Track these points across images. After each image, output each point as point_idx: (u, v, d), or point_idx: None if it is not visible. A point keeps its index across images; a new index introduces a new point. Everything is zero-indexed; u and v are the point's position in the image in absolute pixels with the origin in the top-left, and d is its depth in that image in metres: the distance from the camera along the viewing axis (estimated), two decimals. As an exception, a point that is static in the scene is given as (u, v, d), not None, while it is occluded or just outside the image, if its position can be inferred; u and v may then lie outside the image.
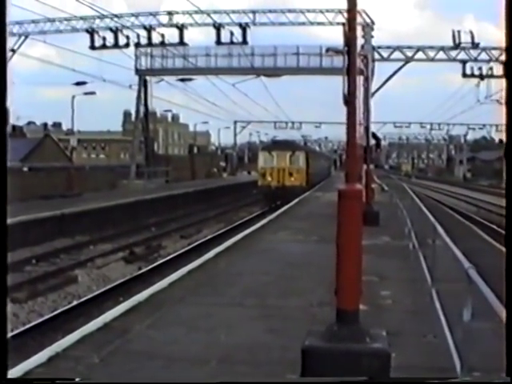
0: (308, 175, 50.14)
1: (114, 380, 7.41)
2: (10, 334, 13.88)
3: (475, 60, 45.78)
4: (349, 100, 7.20)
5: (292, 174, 48.17)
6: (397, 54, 46.02)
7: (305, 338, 6.76)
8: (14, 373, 7.20)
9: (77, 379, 6.08)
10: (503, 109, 4.72)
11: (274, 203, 44.04)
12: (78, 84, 53.86)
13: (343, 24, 8.08)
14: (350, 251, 6.86)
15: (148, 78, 54.55)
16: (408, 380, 6.67)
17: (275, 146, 52.62)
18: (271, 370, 7.70)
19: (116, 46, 45.65)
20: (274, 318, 10.03)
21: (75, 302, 17.84)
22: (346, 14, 7.78)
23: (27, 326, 15.03)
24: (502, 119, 4.76)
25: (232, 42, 45.46)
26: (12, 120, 74.35)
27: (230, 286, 12.79)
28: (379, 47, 44.96)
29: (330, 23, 44.57)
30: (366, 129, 31.68)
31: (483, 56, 45.25)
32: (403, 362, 7.36)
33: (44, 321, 15.51)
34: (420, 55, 46.55)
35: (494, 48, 44.80)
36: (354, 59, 7.30)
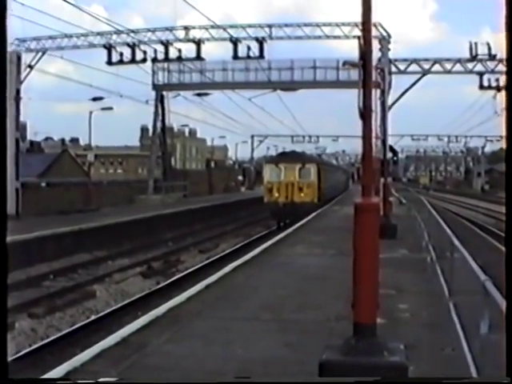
0: (320, 190, 44.96)
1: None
2: (28, 349, 14.00)
3: (492, 72, 45.49)
4: (364, 113, 7.20)
5: (302, 188, 43.32)
6: (414, 67, 45.79)
7: (322, 351, 6.74)
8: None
9: (78, 380, 6.07)
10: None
11: (283, 222, 40.84)
12: (95, 99, 54.10)
13: (359, 37, 8.06)
14: (366, 265, 6.86)
15: (165, 92, 54.69)
16: (422, 380, 6.65)
17: (283, 157, 47.05)
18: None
19: (133, 61, 45.77)
20: (291, 332, 10.02)
21: (93, 317, 17.87)
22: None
23: (45, 341, 15.08)
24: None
25: (249, 57, 45.38)
26: (30, 135, 74.93)
27: (247, 300, 12.79)
28: (396, 60, 44.77)
29: (347, 36, 44.42)
30: (383, 142, 31.71)
31: (500, 67, 44.94)
32: (421, 376, 7.32)
33: (62, 336, 15.54)
34: (437, 67, 46.29)
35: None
36: (369, 72, 7.30)
